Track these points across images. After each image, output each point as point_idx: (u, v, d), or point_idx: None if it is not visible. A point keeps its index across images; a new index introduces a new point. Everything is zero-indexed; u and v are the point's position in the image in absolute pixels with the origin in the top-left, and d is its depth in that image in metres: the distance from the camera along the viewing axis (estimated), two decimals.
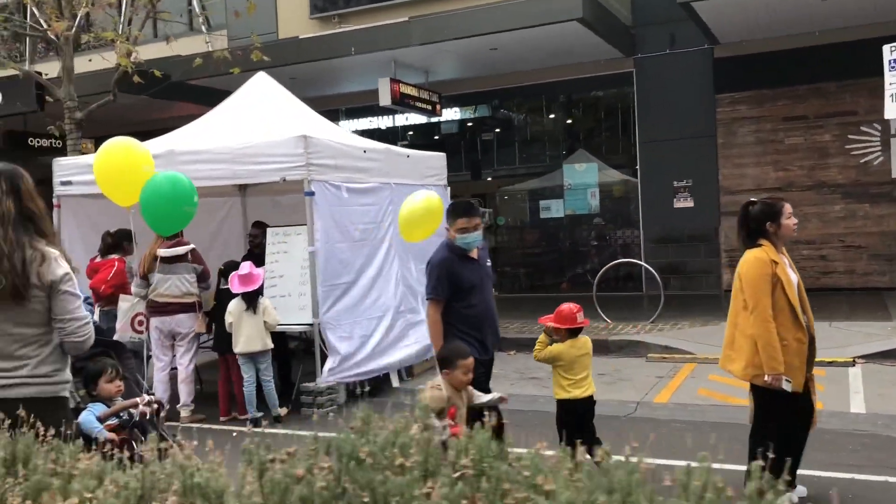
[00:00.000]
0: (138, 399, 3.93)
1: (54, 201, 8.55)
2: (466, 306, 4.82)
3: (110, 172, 4.94)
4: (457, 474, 1.41)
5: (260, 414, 7.15)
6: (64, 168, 8.22)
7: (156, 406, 4.03)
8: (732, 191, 12.55)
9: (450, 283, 4.81)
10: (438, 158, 9.86)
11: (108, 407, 3.97)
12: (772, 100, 12.45)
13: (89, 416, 3.75)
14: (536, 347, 5.04)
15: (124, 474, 1.76)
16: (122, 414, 3.95)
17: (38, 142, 14.38)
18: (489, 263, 5.22)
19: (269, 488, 1.40)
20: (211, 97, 11.83)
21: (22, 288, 2.87)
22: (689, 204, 12.72)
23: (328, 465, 1.41)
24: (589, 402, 5.02)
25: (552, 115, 15.02)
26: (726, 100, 12.69)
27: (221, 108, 8.90)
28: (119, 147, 4.93)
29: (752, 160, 12.60)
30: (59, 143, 13.81)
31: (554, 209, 13.92)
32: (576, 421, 4.84)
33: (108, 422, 3.88)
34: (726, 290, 12.65)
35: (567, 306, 5.01)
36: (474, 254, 4.99)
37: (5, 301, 2.86)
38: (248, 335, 7.03)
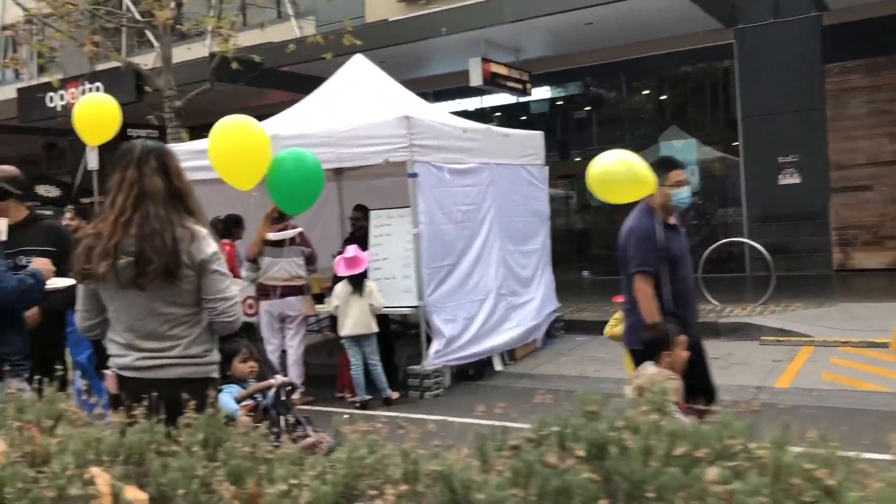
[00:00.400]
0: (273, 381, 3.90)
1: None
2: (672, 281, 4.26)
3: (228, 155, 4.88)
4: (732, 464, 1.24)
5: (368, 397, 7.14)
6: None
7: (289, 388, 4.00)
8: (843, 165, 11.88)
9: (658, 254, 4.22)
10: (537, 137, 9.66)
11: (241, 388, 3.96)
12: (887, 68, 11.71)
13: (226, 397, 3.73)
14: (610, 324, 5.06)
15: (326, 460, 1.66)
16: (255, 396, 3.92)
17: (135, 132, 14.75)
18: (684, 231, 4.70)
19: (515, 477, 1.26)
20: (302, 83, 11.89)
21: (173, 267, 2.82)
22: (796, 180, 12.10)
23: (581, 454, 1.26)
24: None
25: (645, 92, 14.54)
26: (836, 70, 12.01)
27: (321, 92, 8.90)
28: (236, 128, 4.87)
29: (864, 133, 11.90)
30: (156, 133, 14.15)
31: None
32: None
33: (243, 403, 3.86)
34: (837, 270, 12.05)
35: None
36: (673, 221, 4.48)
37: (157, 280, 2.82)
38: (354, 318, 7.01)
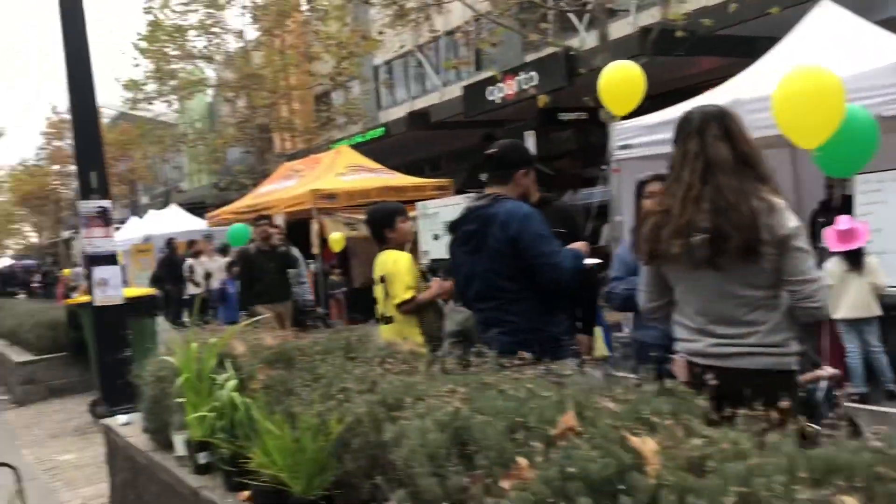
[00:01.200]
0: (821, 372, 3.38)
1: (613, 166, 8.70)
2: None
3: (797, 106, 4.49)
4: None
5: (865, 389, 6.21)
6: (623, 132, 8.25)
7: (835, 382, 3.45)
8: None
9: None
10: None
11: None
12: None
13: None
14: None
15: None
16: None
17: (567, 116, 15.14)
18: None
19: None
20: (736, 46, 11.06)
21: (754, 243, 2.49)
22: None
23: None
24: None
25: None
26: None
27: (782, 48, 8.05)
28: (810, 77, 4.48)
29: None
30: (584, 115, 14.36)
31: None
32: None
33: None
34: None
35: None
36: None
37: (734, 259, 2.51)
38: (852, 300, 6.16)
